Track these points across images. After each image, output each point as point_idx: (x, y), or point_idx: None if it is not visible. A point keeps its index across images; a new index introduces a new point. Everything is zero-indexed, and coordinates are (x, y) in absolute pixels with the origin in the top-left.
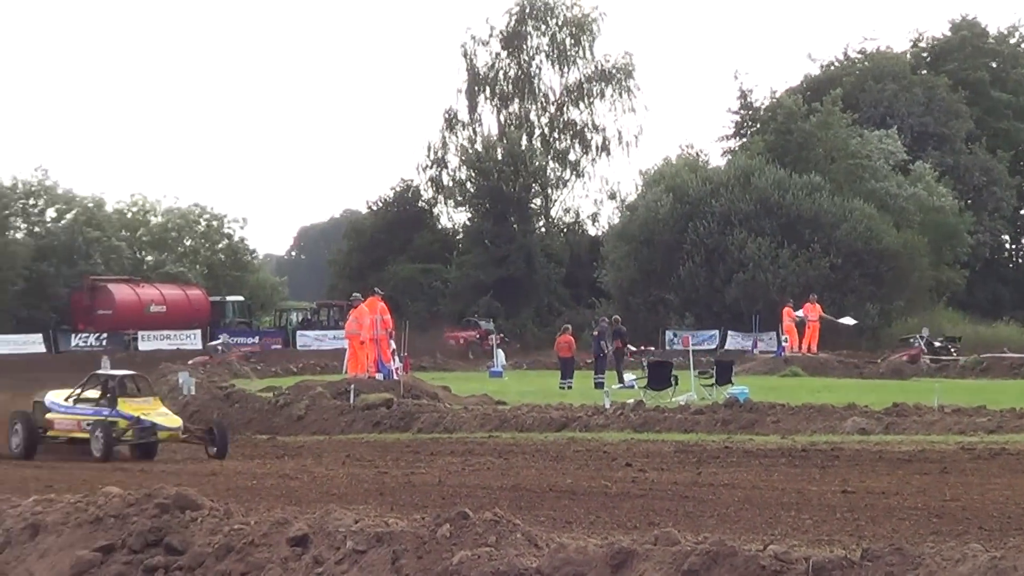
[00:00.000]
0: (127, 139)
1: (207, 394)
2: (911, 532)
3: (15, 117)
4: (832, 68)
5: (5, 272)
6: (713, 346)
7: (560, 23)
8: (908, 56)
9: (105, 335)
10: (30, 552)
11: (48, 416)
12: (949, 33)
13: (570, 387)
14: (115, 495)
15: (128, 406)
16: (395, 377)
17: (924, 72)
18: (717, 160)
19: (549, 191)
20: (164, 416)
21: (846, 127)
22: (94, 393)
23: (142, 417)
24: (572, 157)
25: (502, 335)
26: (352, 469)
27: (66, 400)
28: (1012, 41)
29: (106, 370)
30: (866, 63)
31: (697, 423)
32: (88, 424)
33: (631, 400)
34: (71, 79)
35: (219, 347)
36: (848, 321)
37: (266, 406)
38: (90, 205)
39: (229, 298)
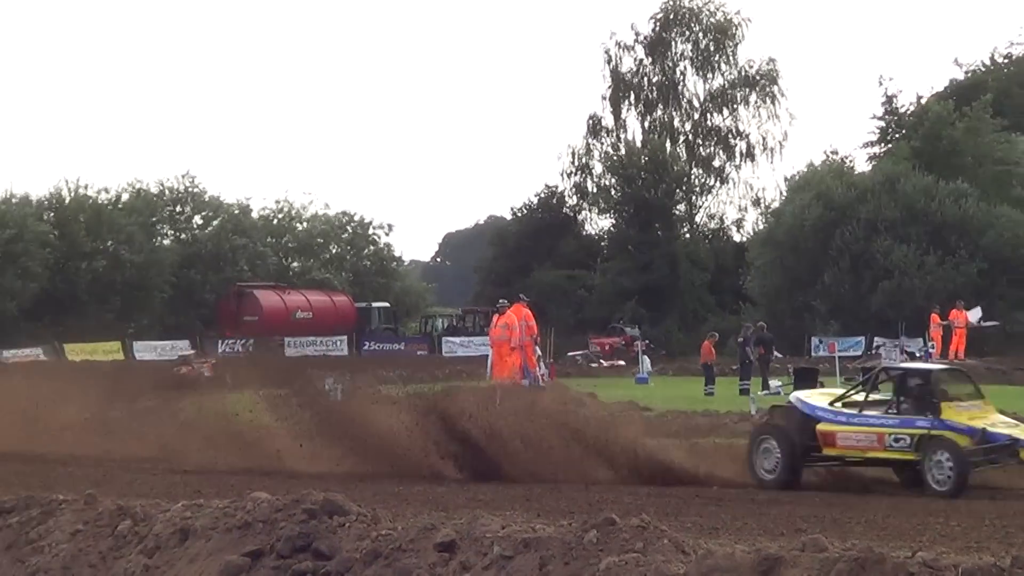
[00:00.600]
0: (273, 145)
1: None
2: None
3: (163, 123)
4: (978, 73)
5: (153, 279)
6: (859, 352)
7: (704, 29)
8: None
9: (252, 341)
10: (180, 557)
11: (821, 428)
12: None
13: (711, 393)
14: (263, 500)
15: (957, 413)
16: (540, 384)
17: None
18: (862, 166)
19: (693, 197)
20: (1013, 427)
21: (993, 133)
22: (880, 395)
23: (989, 429)
24: (716, 163)
25: (647, 341)
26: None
27: (838, 404)
28: None
29: (899, 362)
30: (1012, 68)
31: None
32: (898, 439)
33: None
34: (219, 85)
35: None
36: (976, 313)
37: None
38: (236, 212)
39: (375, 304)
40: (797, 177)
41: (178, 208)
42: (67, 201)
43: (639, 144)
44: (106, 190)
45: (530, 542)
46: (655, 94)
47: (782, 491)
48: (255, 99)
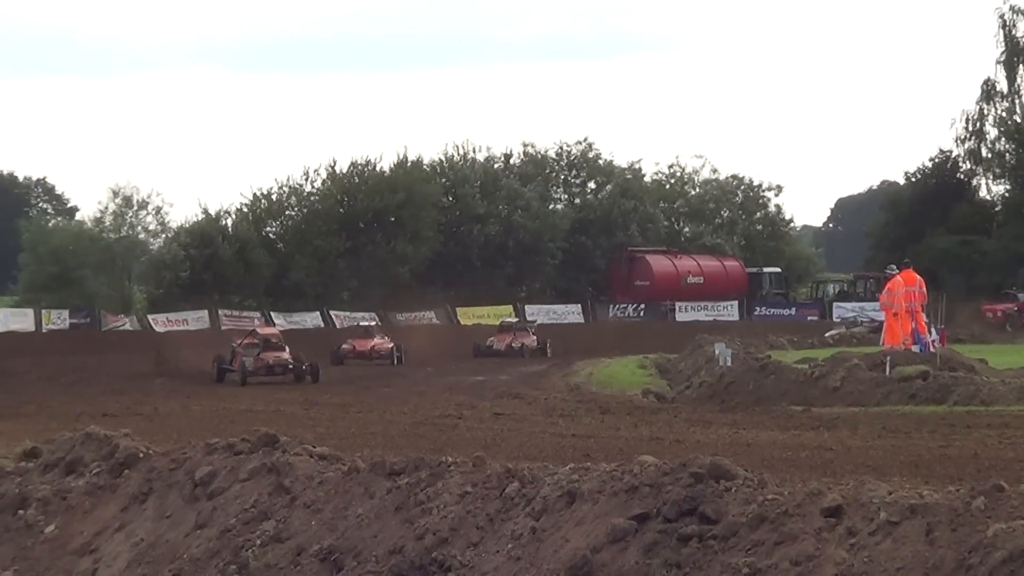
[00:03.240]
0: (661, 108)
1: (743, 365)
2: None
3: (558, 89)
4: None
5: (546, 243)
6: None
7: None
8: None
9: (643, 306)
10: (566, 519)
11: None
12: None
13: None
14: (650, 464)
15: None
16: (931, 350)
17: None
18: None
19: None
20: None
21: None
22: None
23: None
24: None
25: None
26: (887, 441)
27: None
28: None
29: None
30: None
31: None
32: None
33: None
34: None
35: None
36: None
37: (801, 377)
38: (628, 176)
39: (766, 269)
40: None
41: (573, 172)
42: (459, 164)
43: None
44: (505, 155)
45: (917, 508)
46: None
47: None
48: (645, 65)
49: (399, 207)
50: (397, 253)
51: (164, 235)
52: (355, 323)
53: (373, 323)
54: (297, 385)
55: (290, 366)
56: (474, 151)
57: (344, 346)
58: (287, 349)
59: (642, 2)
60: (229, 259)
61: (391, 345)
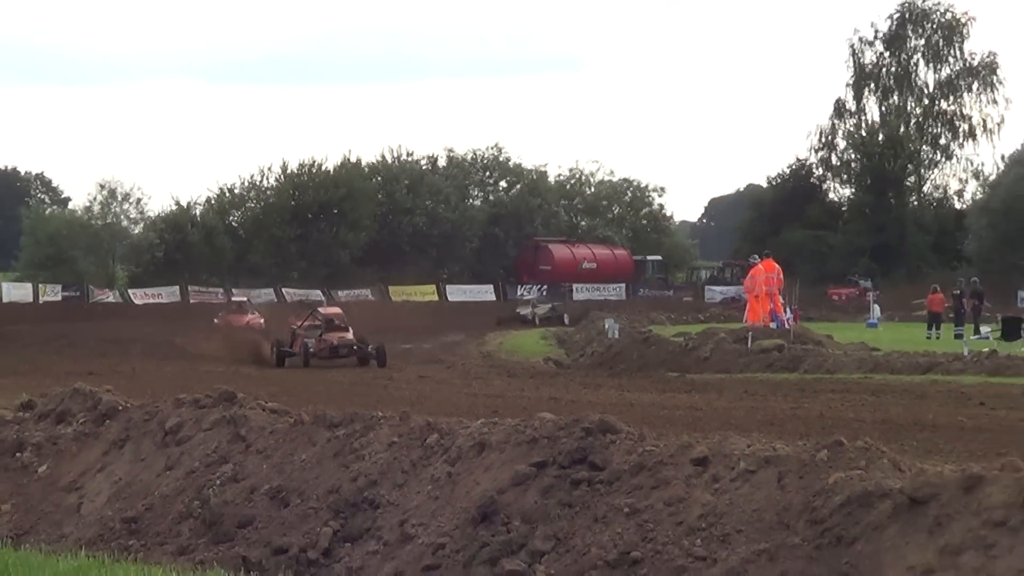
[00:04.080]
0: (564, 117)
1: (628, 338)
2: None
3: (474, 99)
4: None
5: (464, 233)
6: None
7: (935, 26)
8: None
9: (546, 287)
10: (477, 465)
11: None
12: None
13: (938, 337)
14: (548, 420)
15: None
16: (786, 327)
17: None
18: None
19: (921, 171)
20: None
21: None
22: None
23: None
24: (942, 142)
25: (878, 291)
26: (747, 402)
27: None
28: None
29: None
30: None
31: None
32: None
33: (986, 349)
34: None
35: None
36: None
37: (677, 349)
38: (535, 177)
39: (649, 257)
40: (1014, 153)
41: (487, 173)
42: (392, 165)
43: (877, 125)
44: (430, 158)
45: (771, 459)
46: (891, 82)
47: (985, 421)
48: (553, 75)
49: (341, 200)
50: (339, 240)
51: (143, 222)
52: (303, 299)
53: (245, 299)
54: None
55: (355, 347)
56: (406, 154)
57: (216, 320)
58: (351, 330)
59: (548, 30)
60: (197, 243)
61: (261, 320)
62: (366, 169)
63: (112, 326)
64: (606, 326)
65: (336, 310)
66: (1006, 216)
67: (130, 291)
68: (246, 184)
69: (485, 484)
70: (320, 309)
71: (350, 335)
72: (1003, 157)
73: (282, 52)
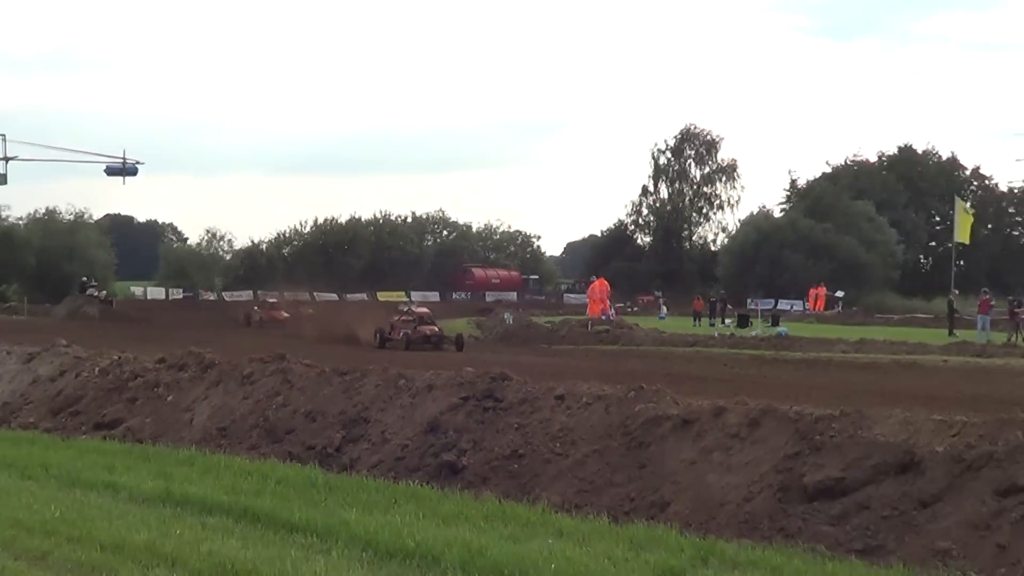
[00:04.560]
0: (485, 193)
1: (518, 323)
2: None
3: (429, 185)
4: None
5: (423, 261)
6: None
7: (701, 143)
8: None
9: (470, 294)
10: (428, 398)
11: None
12: None
13: (699, 325)
14: (470, 371)
15: None
16: (611, 318)
17: None
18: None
19: (692, 228)
20: None
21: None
22: None
23: None
24: (704, 210)
25: (665, 298)
26: (588, 363)
27: None
28: None
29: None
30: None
31: (757, 346)
32: None
33: (728, 332)
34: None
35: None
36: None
37: (546, 331)
38: (464, 229)
39: (531, 276)
40: (746, 218)
41: (436, 227)
42: (379, 221)
43: (666, 200)
44: (402, 217)
45: (601, 396)
46: (675, 175)
47: (728, 375)
48: (470, 171)
49: (350, 240)
50: (348, 264)
51: (231, 252)
52: (328, 299)
53: (275, 299)
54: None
55: (442, 337)
56: (387, 216)
57: (256, 308)
58: (436, 324)
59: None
60: (263, 265)
61: (286, 315)
62: (364, 223)
63: (210, 315)
64: (505, 316)
65: (426, 309)
66: (741, 255)
67: (223, 293)
68: (293, 230)
69: (432, 409)
70: (414, 308)
71: (437, 328)
72: (739, 221)
73: (314, 151)
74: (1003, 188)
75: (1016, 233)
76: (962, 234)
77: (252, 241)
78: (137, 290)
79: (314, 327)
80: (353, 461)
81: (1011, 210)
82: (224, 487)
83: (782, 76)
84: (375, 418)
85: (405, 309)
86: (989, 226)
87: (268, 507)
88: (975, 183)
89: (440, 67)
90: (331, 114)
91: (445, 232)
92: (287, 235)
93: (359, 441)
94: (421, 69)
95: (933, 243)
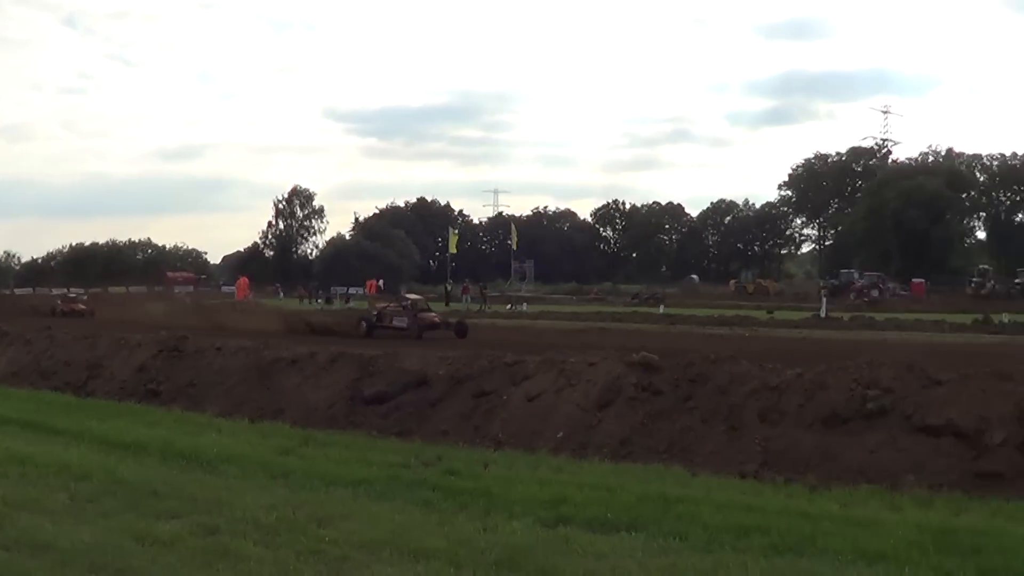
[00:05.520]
0: None
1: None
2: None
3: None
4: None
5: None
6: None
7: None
8: None
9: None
10: (138, 352)
11: None
12: None
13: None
14: (164, 333)
15: None
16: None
17: None
18: None
19: None
20: None
21: None
22: None
23: None
24: None
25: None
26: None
27: None
28: None
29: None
30: None
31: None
32: None
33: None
34: None
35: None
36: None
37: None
38: None
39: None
40: None
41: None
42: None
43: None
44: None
45: (244, 347)
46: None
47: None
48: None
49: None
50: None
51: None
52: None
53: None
54: None
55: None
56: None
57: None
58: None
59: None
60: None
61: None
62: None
63: (24, 306)
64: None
65: (418, 296)
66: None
67: (15, 290)
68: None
69: (141, 357)
70: (406, 295)
71: (436, 316)
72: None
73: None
74: None
75: None
76: None
77: (33, 258)
78: None
79: (112, 313)
80: (94, 390)
81: None
82: (13, 408)
83: None
84: (106, 364)
85: (395, 298)
86: None
87: (41, 419)
88: None
89: None
90: None
91: (150, 251)
92: (61, 251)
93: (97, 378)
94: None
95: None
